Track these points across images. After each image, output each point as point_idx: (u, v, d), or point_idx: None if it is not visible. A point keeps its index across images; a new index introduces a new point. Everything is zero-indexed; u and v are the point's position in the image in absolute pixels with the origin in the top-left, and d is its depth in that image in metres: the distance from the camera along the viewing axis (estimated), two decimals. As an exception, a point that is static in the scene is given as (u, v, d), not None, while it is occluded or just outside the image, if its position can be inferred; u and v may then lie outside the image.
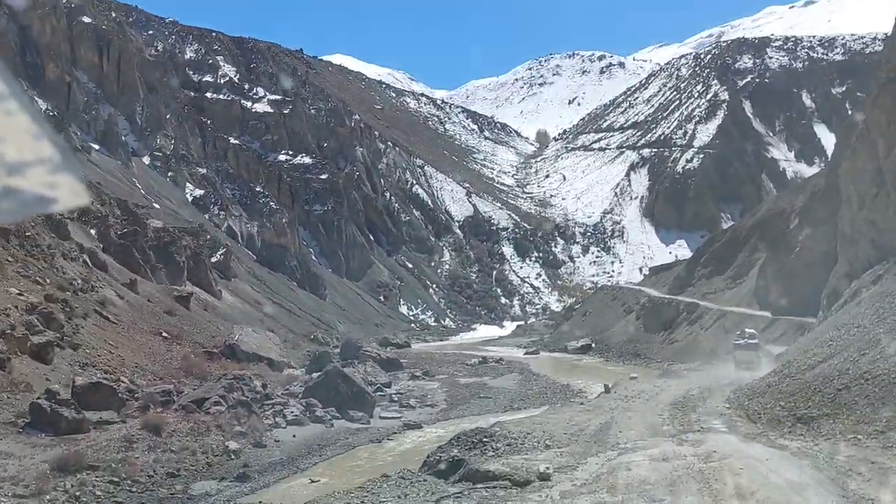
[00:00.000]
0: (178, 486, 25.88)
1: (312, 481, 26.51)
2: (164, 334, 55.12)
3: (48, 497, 22.54)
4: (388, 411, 40.81)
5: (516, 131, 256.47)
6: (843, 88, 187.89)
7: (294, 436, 33.31)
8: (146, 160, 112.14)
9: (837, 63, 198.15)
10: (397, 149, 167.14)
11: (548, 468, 20.76)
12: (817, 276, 52.99)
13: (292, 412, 35.98)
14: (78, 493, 23.31)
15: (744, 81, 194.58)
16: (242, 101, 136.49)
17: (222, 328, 64.31)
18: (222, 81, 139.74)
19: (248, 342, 56.81)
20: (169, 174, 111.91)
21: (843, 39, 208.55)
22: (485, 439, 25.34)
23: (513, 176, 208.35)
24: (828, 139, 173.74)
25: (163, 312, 60.03)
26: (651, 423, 28.21)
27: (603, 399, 38.35)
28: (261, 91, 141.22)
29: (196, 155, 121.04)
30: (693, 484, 17.97)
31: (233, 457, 29.23)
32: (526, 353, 79.92)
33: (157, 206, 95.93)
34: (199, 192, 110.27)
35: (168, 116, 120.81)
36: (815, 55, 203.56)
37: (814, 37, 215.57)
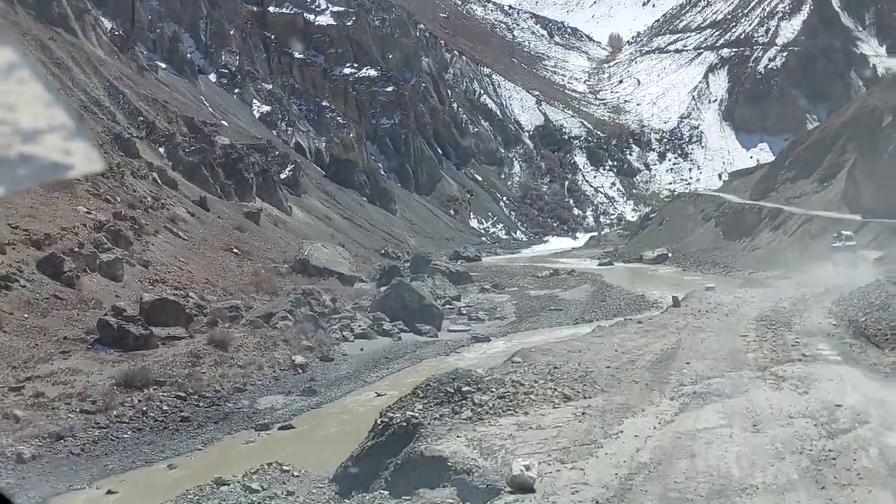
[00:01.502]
0: (245, 400, 25.82)
1: (378, 394, 26.07)
2: (235, 250, 55.51)
3: (115, 412, 22.64)
4: (456, 324, 40.19)
5: (588, 36, 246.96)
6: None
7: (361, 349, 33.01)
8: (212, 77, 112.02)
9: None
10: (464, 58, 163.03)
11: (529, 472, 12.15)
12: (913, 176, 49.60)
13: (360, 326, 35.65)
14: (145, 409, 23.38)
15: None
16: (305, 14, 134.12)
17: (293, 243, 64.56)
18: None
19: (318, 257, 56.80)
20: (235, 91, 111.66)
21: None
22: (464, 388, 17.87)
23: (585, 82, 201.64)
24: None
25: (233, 229, 60.46)
26: (732, 350, 23.01)
27: (670, 315, 32.64)
28: (323, 3, 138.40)
29: (261, 71, 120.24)
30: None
31: (300, 371, 29.07)
32: (599, 265, 78.19)
33: (224, 123, 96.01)
34: (265, 109, 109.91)
35: (232, 32, 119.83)
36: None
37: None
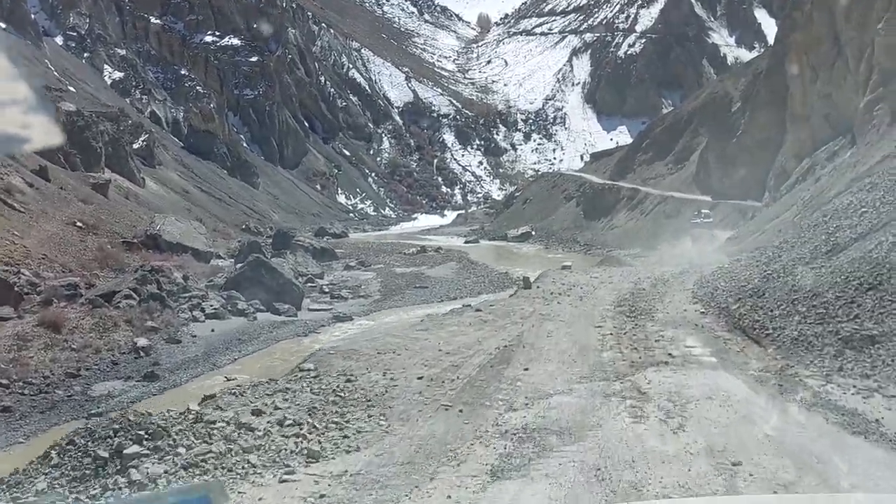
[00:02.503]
0: (77, 387, 23.67)
1: (228, 379, 24.49)
2: (79, 224, 51.57)
3: (-81, 404, 20.11)
4: (318, 303, 38.80)
5: (457, 15, 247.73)
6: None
7: (213, 330, 31.15)
8: (59, 40, 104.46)
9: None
10: (332, 31, 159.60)
11: None
12: (758, 159, 52.05)
13: (211, 305, 33.70)
14: (-44, 399, 20.92)
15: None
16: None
17: (145, 217, 60.88)
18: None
19: (172, 231, 53.81)
20: (85, 55, 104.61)
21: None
22: (128, 449, 11.73)
23: (454, 61, 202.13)
24: (768, 24, 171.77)
25: (77, 201, 56.23)
26: (584, 347, 19.77)
27: (517, 299, 29.96)
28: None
29: (114, 35, 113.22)
30: None
31: (142, 354, 27.01)
32: (466, 242, 78.47)
33: (71, 89, 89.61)
34: (118, 75, 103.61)
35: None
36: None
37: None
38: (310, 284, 43.49)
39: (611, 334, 21.60)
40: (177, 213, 66.29)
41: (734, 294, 22.92)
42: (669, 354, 18.74)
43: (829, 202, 26.66)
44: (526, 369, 18.02)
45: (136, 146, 79.74)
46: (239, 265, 40.34)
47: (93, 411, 21.77)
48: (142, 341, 27.72)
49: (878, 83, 32.57)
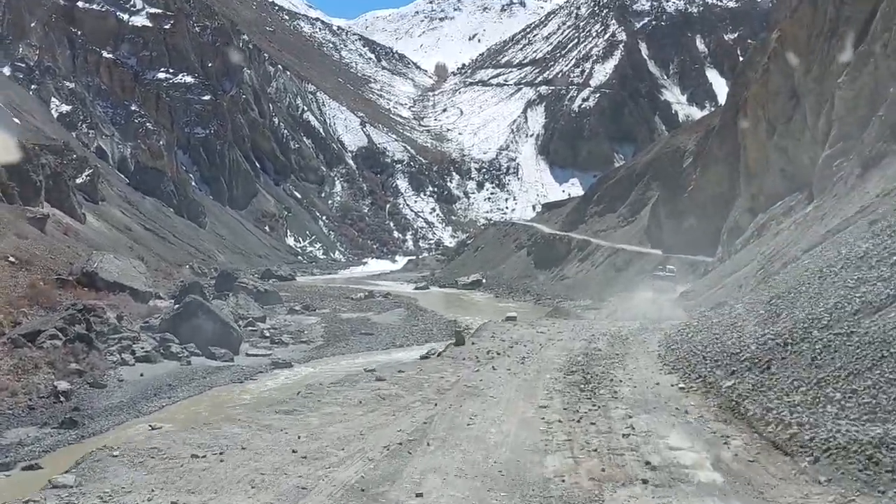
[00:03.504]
0: (-14, 434, 21.85)
1: (153, 427, 22.86)
2: (11, 259, 49.24)
3: None
4: (257, 348, 37.29)
5: (415, 63, 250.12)
6: (736, 35, 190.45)
7: (142, 374, 29.47)
8: (6, 70, 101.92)
9: (730, 9, 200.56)
10: (288, 73, 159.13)
11: None
12: (710, 214, 52.32)
13: (143, 348, 32.00)
14: None
15: (641, 23, 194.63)
16: (118, 13, 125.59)
17: (83, 254, 58.58)
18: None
19: (109, 269, 51.59)
20: (32, 87, 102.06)
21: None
22: None
23: (409, 108, 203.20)
24: (719, 84, 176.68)
25: (12, 234, 53.80)
26: (517, 446, 14.77)
27: (443, 360, 25.72)
28: (139, 3, 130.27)
29: (64, 68, 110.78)
30: None
31: (62, 399, 25.26)
32: (415, 288, 77.54)
33: (16, 120, 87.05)
34: (66, 108, 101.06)
35: (33, 25, 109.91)
36: (709, 0, 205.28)
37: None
38: (250, 328, 41.95)
39: (559, 422, 16.47)
40: (118, 250, 64.08)
41: (723, 364, 18.44)
42: (648, 464, 13.37)
43: (801, 256, 24.60)
44: (419, 496, 12.20)
45: (79, 181, 77.39)
46: (175, 306, 38.61)
47: (0, 461, 20.01)
48: (63, 385, 25.96)
49: (837, 137, 32.57)
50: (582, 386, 20.22)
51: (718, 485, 12.42)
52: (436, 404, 18.71)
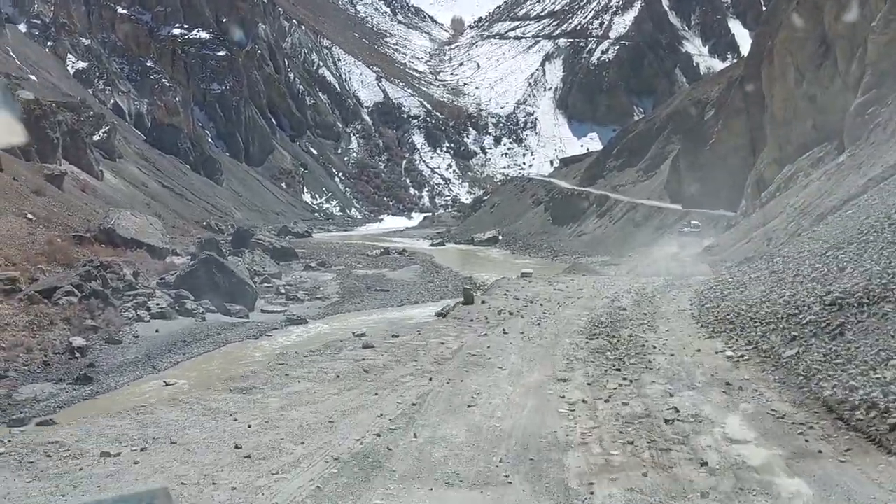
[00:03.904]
0: (2, 389, 21.87)
1: (167, 384, 22.86)
2: (29, 216, 49.44)
3: None
4: (272, 304, 37.14)
5: (431, 17, 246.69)
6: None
7: (157, 331, 29.39)
8: (22, 28, 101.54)
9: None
10: (303, 28, 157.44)
11: None
12: (732, 168, 51.36)
13: (158, 304, 31.89)
14: None
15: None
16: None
17: (100, 211, 58.74)
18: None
19: (126, 226, 51.58)
20: (48, 44, 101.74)
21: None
22: None
23: (426, 62, 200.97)
24: (741, 34, 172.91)
25: (30, 192, 53.97)
26: (528, 438, 11.61)
27: (448, 321, 23.61)
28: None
29: (79, 25, 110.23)
30: None
31: (77, 355, 25.22)
32: (431, 245, 77.19)
33: (33, 77, 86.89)
34: (82, 65, 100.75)
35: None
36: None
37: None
38: (266, 285, 41.83)
39: (583, 402, 13.46)
40: (135, 207, 64.14)
41: (778, 328, 15.59)
42: (703, 465, 10.01)
43: (842, 207, 22.70)
44: None
45: (96, 138, 77.33)
46: (191, 263, 38.53)
47: (15, 417, 20.03)
48: (78, 341, 25.93)
49: (871, 84, 31.31)
50: (608, 353, 17.38)
51: (807, 499, 8.91)
52: (430, 379, 15.81)
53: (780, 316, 16.13)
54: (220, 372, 23.53)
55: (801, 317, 15.23)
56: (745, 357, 15.53)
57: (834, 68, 35.44)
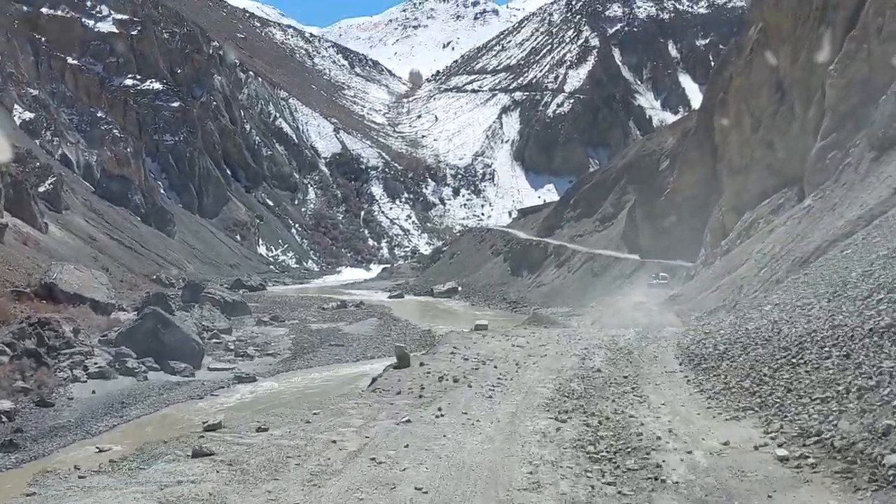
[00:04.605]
0: (-87, 461, 20.07)
1: (100, 450, 21.21)
2: (-35, 271, 47.37)
3: None
4: (220, 361, 35.61)
5: (388, 70, 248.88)
6: (707, 41, 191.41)
7: (94, 392, 27.72)
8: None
9: (702, 15, 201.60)
10: (260, 79, 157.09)
11: None
12: (688, 217, 51.38)
13: (96, 363, 30.23)
14: None
15: (613, 29, 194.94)
16: (84, 20, 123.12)
17: (44, 265, 56.54)
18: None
19: (69, 280, 49.65)
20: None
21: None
22: None
23: (384, 114, 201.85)
24: (692, 89, 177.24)
25: (-33, 246, 51.88)
26: None
27: (361, 400, 18.25)
28: (105, 9, 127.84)
29: (27, 74, 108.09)
30: None
31: (3, 419, 23.49)
32: (390, 297, 75.99)
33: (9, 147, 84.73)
34: (28, 116, 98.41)
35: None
36: (680, 7, 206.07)
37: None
38: (215, 341, 40.24)
39: None
40: (81, 261, 62.01)
41: (851, 409, 11.65)
42: None
43: (828, 249, 21.36)
44: None
45: (41, 189, 75.09)
46: (134, 319, 36.83)
47: (-75, 492, 18.21)
48: (5, 404, 24.19)
49: (830, 128, 31.21)
50: (590, 448, 13.17)
51: None
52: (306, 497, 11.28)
53: (846, 388, 12.00)
54: (161, 434, 21.98)
55: (879, 390, 11.19)
56: (810, 459, 11.07)
57: (791, 114, 35.57)
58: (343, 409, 17.28)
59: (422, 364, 22.15)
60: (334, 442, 14.41)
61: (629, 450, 12.96)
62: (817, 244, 23.48)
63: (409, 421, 15.80)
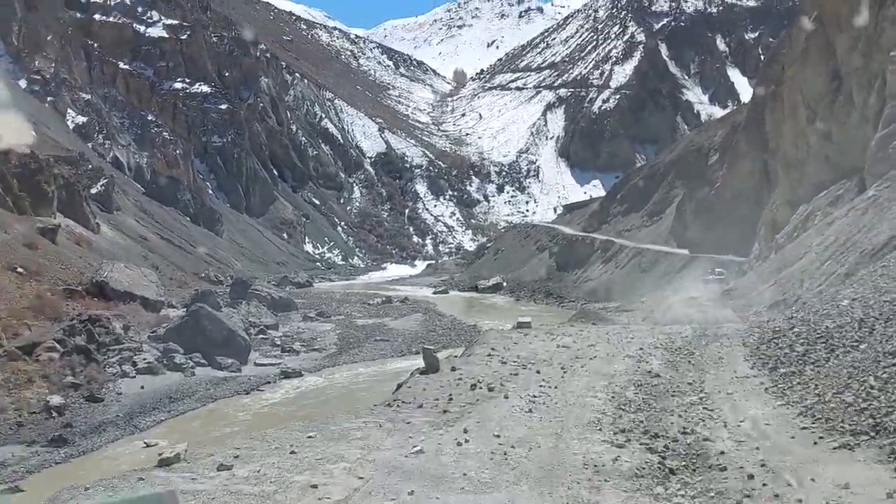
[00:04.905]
0: (-33, 454, 20.44)
1: (148, 444, 21.39)
2: (20, 269, 48.29)
3: None
4: (267, 357, 35.76)
5: (433, 69, 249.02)
6: (756, 34, 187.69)
7: (142, 387, 28.00)
8: (22, 84, 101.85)
9: (750, 8, 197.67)
10: (306, 81, 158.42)
11: None
12: (737, 211, 50.20)
13: (145, 359, 30.54)
14: None
15: (660, 24, 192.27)
16: (135, 25, 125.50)
17: (95, 264, 57.64)
18: (113, 3, 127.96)
19: (119, 279, 50.44)
20: (49, 99, 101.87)
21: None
22: None
23: (428, 114, 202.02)
24: (741, 83, 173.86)
25: (21, 245, 52.95)
26: None
27: (379, 414, 15.90)
28: (156, 15, 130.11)
29: (80, 80, 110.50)
30: None
31: (54, 414, 23.81)
32: (435, 293, 75.91)
33: (33, 133, 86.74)
34: (81, 120, 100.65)
35: (49, 38, 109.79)
36: (729, 0, 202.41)
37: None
38: (262, 336, 40.46)
39: None
40: (132, 260, 63.01)
41: None
42: None
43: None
44: None
45: (93, 191, 76.64)
46: (182, 315, 37.21)
47: (-22, 483, 18.54)
48: (55, 399, 24.52)
49: (893, 116, 29.86)
50: (660, 492, 10.69)
51: None
52: None
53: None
54: (212, 427, 22.07)
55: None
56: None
57: (849, 103, 34.12)
58: (345, 432, 14.53)
59: (453, 368, 19.77)
60: (314, 487, 11.32)
61: (712, 494, 10.24)
62: (890, 235, 21.66)
63: (421, 451, 12.82)
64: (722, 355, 18.96)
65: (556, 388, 17.20)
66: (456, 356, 22.23)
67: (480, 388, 17.42)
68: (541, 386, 17.48)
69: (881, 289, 17.37)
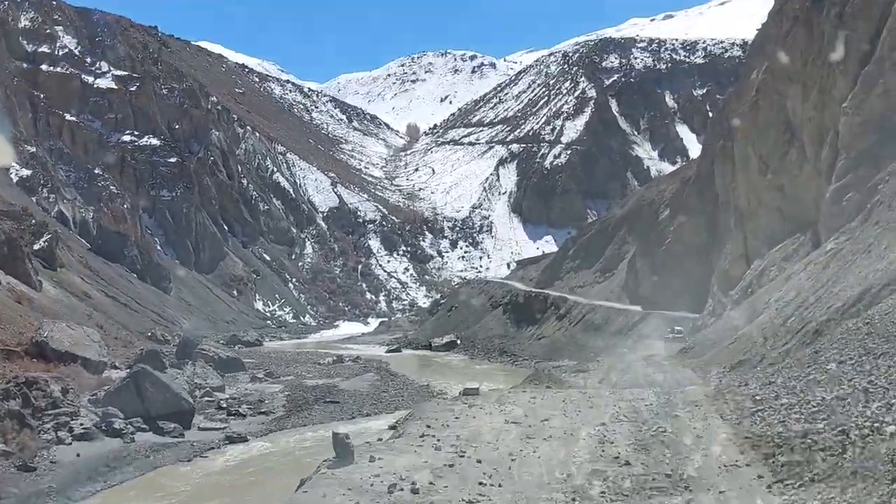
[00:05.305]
0: None
1: (80, 520, 20.08)
2: (-47, 330, 46.36)
3: None
4: (211, 420, 34.44)
5: (386, 124, 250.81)
6: (704, 91, 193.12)
7: (78, 454, 26.56)
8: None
9: (698, 66, 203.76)
10: (258, 134, 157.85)
11: None
12: (689, 267, 50.53)
13: (82, 425, 29.06)
14: None
15: (610, 80, 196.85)
16: (83, 76, 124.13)
17: (36, 323, 55.54)
18: (60, 53, 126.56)
19: (61, 339, 48.52)
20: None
21: (703, 43, 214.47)
22: None
23: (381, 168, 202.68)
24: (689, 138, 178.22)
25: (-44, 305, 50.96)
26: None
27: None
28: (104, 65, 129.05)
29: (26, 132, 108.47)
30: None
31: (-20, 488, 22.29)
32: (388, 351, 74.86)
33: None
34: (26, 173, 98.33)
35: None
36: (677, 57, 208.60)
37: (676, 40, 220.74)
38: (207, 399, 39.11)
39: None
40: (76, 318, 60.98)
41: None
42: None
43: (881, 292, 18.74)
44: None
45: (36, 247, 74.37)
46: (122, 378, 35.72)
47: None
48: (-18, 471, 23.01)
49: (847, 168, 29.83)
50: None
51: None
52: None
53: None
54: (150, 498, 20.84)
55: None
56: None
57: (801, 155, 34.52)
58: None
59: (372, 459, 16.06)
60: None
61: None
62: (863, 289, 20.54)
63: None
64: (698, 431, 16.61)
65: (500, 486, 14.23)
66: (380, 439, 19.56)
67: (401, 490, 13.94)
68: (481, 484, 14.32)
69: (868, 349, 15.84)
